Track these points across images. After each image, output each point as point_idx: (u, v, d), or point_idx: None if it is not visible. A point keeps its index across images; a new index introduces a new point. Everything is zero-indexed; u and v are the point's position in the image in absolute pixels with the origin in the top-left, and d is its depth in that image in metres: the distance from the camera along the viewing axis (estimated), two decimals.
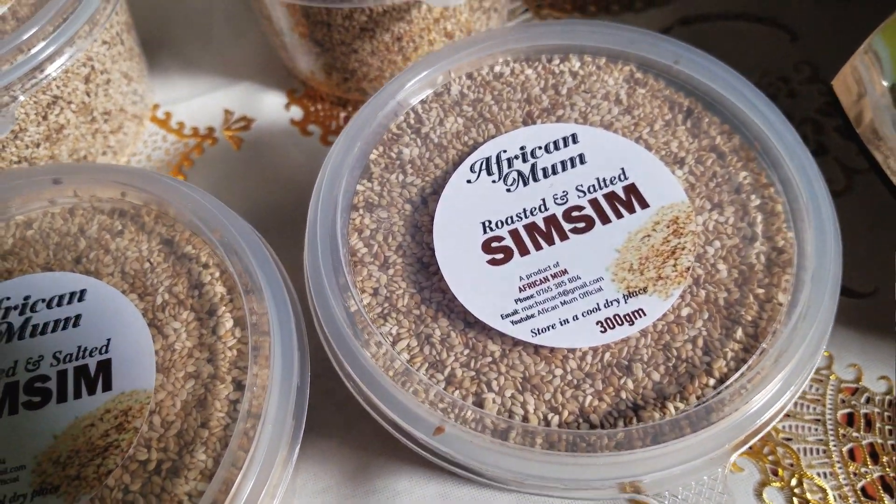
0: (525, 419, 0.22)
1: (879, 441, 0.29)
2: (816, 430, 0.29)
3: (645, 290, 0.23)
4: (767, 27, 0.43)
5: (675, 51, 0.28)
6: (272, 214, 0.37)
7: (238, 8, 0.43)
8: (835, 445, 0.29)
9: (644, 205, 0.25)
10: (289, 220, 0.34)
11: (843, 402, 0.30)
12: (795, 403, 0.30)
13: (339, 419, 0.29)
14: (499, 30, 0.30)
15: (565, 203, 0.25)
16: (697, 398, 0.22)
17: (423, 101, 0.29)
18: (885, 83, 0.27)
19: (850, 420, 0.30)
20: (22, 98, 0.31)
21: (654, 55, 0.29)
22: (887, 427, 0.29)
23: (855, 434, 0.29)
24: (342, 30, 0.35)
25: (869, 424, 0.29)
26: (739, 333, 0.23)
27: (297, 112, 0.41)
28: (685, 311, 0.23)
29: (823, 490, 0.28)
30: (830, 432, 0.29)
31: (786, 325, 0.23)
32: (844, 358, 0.31)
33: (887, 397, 0.30)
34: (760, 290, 0.24)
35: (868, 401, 0.30)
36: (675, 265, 0.24)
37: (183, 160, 0.39)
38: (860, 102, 0.28)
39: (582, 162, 0.26)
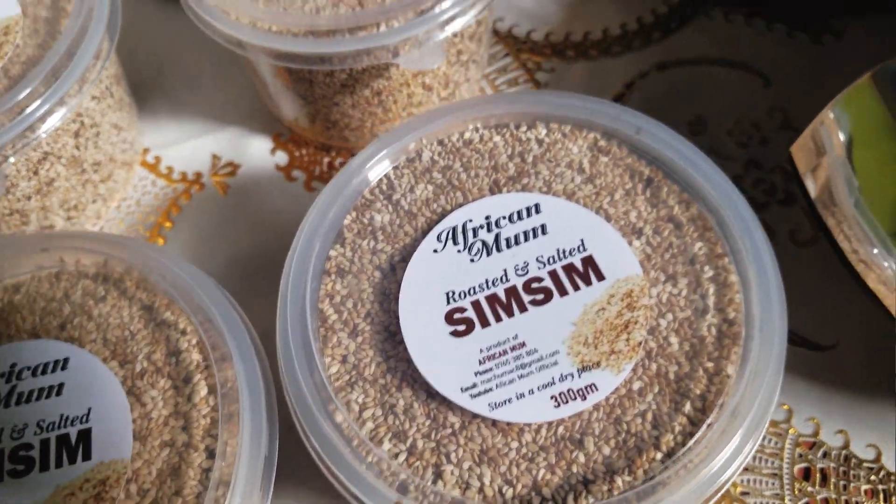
0: (481, 491, 0.23)
1: (834, 496, 0.30)
2: (773, 483, 0.31)
3: (598, 364, 0.25)
4: (741, 72, 0.43)
5: (636, 122, 0.29)
6: (257, 259, 0.38)
7: (227, 56, 0.44)
8: (790, 500, 0.30)
9: (600, 277, 0.26)
10: (273, 264, 0.35)
11: (801, 456, 0.31)
12: (754, 457, 0.31)
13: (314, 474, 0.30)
14: (471, 99, 0.31)
15: (526, 274, 0.27)
16: (644, 472, 0.23)
17: (395, 167, 0.30)
18: (843, 150, 0.28)
19: (806, 474, 0.31)
20: (13, 159, 0.33)
21: (617, 125, 0.30)
22: (842, 482, 0.30)
23: (810, 489, 0.30)
24: (323, 85, 0.37)
25: (825, 479, 0.31)
26: (688, 407, 0.24)
27: (282, 157, 0.42)
28: (636, 385, 0.25)
29: None
30: (787, 487, 0.30)
31: (732, 398, 0.24)
32: (804, 411, 0.32)
33: (843, 452, 0.31)
34: (710, 364, 0.25)
35: (825, 455, 0.31)
36: (627, 339, 0.25)
37: (171, 206, 0.40)
38: (818, 168, 0.29)
39: (544, 232, 0.27)
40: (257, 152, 0.42)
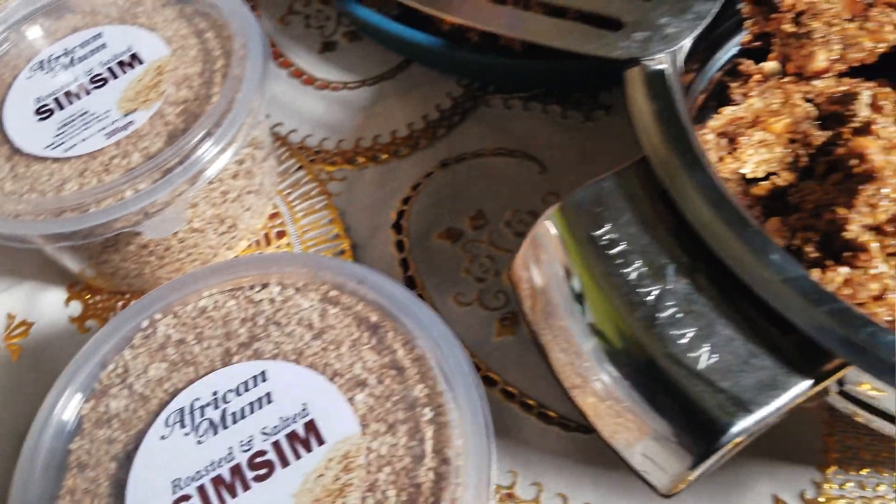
0: None
1: None
2: None
3: None
4: (519, 160, 0.45)
5: (359, 273, 0.31)
6: None
7: None
8: None
9: (321, 441, 0.27)
10: None
11: None
12: None
13: None
14: (207, 267, 0.32)
15: (250, 449, 0.27)
16: None
17: (132, 347, 0.31)
18: (558, 262, 0.30)
19: None
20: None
21: (343, 276, 0.31)
22: None
23: None
24: (87, 248, 0.37)
25: None
26: None
27: (76, 307, 0.42)
28: None
29: None
30: None
31: None
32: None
33: None
34: None
35: None
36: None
37: None
38: (531, 285, 0.31)
39: (269, 401, 0.28)
40: (51, 306, 0.42)
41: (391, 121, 0.48)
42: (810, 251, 0.28)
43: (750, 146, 0.34)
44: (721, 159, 0.35)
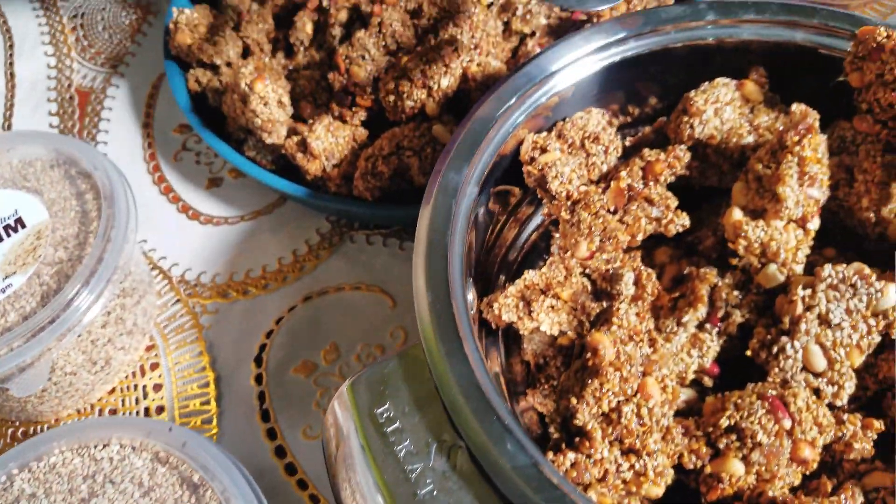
0: None
1: None
2: None
3: None
4: (376, 294, 0.51)
5: (185, 436, 0.36)
6: None
7: None
8: None
9: None
10: None
11: None
12: None
13: None
14: (62, 426, 0.37)
15: None
16: None
17: None
18: (352, 432, 0.35)
19: None
20: None
21: (171, 440, 0.36)
22: None
23: None
24: None
25: None
26: None
27: None
28: None
29: None
30: None
31: None
32: None
33: None
34: None
35: None
36: None
37: None
38: (337, 440, 0.36)
39: None
40: None
41: (264, 255, 0.53)
42: (553, 432, 0.34)
43: (542, 311, 0.40)
44: (520, 318, 0.41)
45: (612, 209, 0.39)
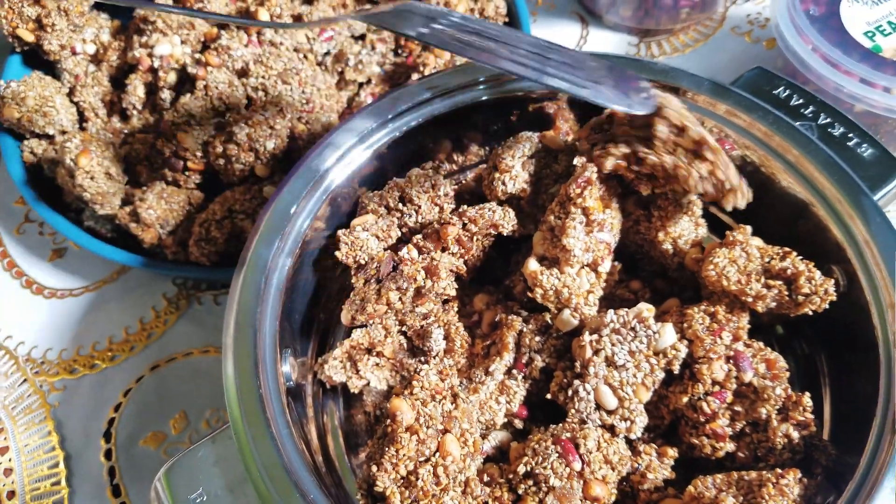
0: None
1: None
2: None
3: None
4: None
5: None
6: None
7: None
8: None
9: None
10: None
11: None
12: None
13: None
14: None
15: None
16: None
17: None
18: None
19: None
20: None
21: None
22: None
23: None
24: None
25: None
26: None
27: None
28: None
29: None
30: None
31: None
32: None
33: None
34: None
35: None
36: None
37: None
38: None
39: None
40: None
41: (111, 325, 0.53)
42: (360, 499, 0.36)
43: (367, 370, 0.42)
44: (349, 378, 0.42)
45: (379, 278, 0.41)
